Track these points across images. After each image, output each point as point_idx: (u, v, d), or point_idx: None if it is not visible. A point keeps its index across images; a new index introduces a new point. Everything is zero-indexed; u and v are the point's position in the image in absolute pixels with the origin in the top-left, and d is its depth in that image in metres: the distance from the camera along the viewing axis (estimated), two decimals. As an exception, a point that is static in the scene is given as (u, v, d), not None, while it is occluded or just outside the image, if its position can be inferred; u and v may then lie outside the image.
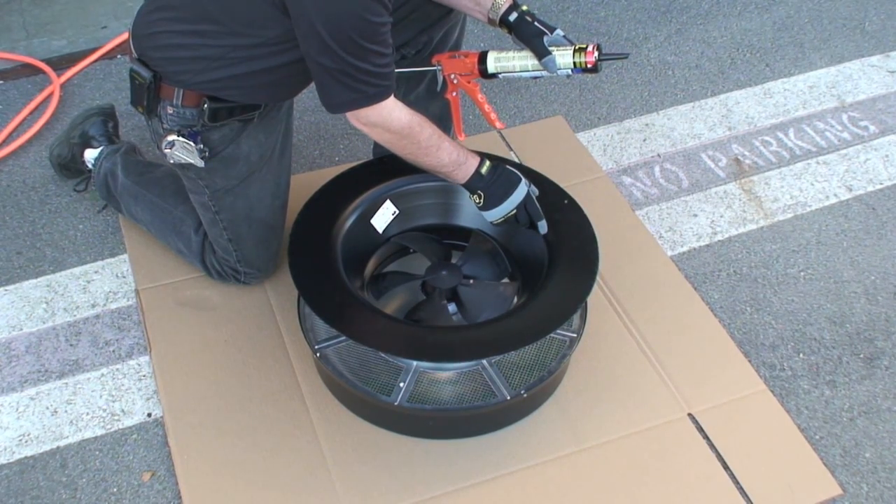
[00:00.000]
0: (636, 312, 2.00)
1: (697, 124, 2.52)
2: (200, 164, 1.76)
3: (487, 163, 1.75)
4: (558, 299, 1.70)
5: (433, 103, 1.98)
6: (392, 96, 1.62)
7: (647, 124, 2.51)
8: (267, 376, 1.86)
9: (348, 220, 1.84)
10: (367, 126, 1.65)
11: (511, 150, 2.36)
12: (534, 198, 1.77)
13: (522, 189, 1.75)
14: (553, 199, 1.87)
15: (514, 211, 1.75)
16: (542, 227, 1.78)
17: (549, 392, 1.83)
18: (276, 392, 1.84)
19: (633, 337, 1.96)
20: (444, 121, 1.92)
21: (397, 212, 1.90)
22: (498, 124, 1.85)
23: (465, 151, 1.74)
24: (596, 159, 2.39)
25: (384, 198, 1.89)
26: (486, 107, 1.84)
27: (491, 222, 1.78)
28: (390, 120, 1.64)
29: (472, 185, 1.74)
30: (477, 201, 1.76)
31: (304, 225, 1.81)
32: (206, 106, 1.71)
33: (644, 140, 2.47)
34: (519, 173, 1.76)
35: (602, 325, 1.97)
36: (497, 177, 1.74)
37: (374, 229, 1.89)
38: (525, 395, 1.72)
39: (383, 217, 1.89)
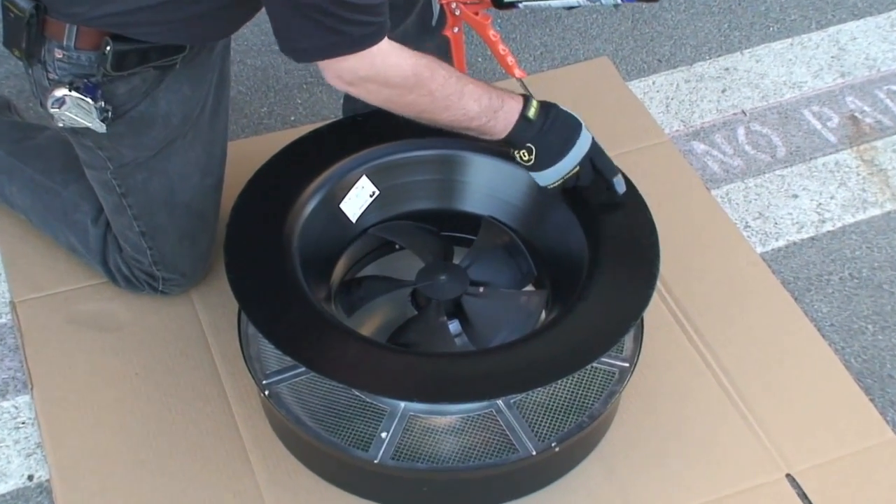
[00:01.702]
0: (712, 333, 2.00)
1: (798, 69, 2.52)
2: (101, 128, 1.76)
3: (534, 103, 1.73)
4: (603, 314, 1.70)
5: (426, 43, 1.97)
6: (386, 37, 1.60)
7: (726, 69, 2.51)
8: (195, 423, 1.86)
9: (308, 205, 1.84)
10: (355, 84, 1.63)
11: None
12: (601, 147, 1.77)
13: (586, 136, 1.75)
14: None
15: (577, 168, 1.75)
16: (619, 184, 1.79)
17: (590, 445, 1.83)
18: (206, 445, 1.84)
19: (708, 367, 1.96)
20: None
21: (377, 192, 1.90)
22: (517, 72, 1.85)
23: (498, 92, 1.72)
24: (656, 118, 2.39)
25: (359, 173, 1.89)
26: (501, 48, 1.84)
27: (545, 186, 1.78)
28: (387, 70, 1.62)
29: (518, 136, 1.73)
30: (525, 158, 1.75)
31: (247, 212, 1.81)
32: (108, 48, 1.70)
33: (723, 91, 2.47)
34: (575, 114, 1.76)
35: (665, 350, 1.97)
36: (551, 121, 1.73)
37: (346, 217, 1.89)
38: (557, 449, 1.72)
39: (358, 200, 1.89)
